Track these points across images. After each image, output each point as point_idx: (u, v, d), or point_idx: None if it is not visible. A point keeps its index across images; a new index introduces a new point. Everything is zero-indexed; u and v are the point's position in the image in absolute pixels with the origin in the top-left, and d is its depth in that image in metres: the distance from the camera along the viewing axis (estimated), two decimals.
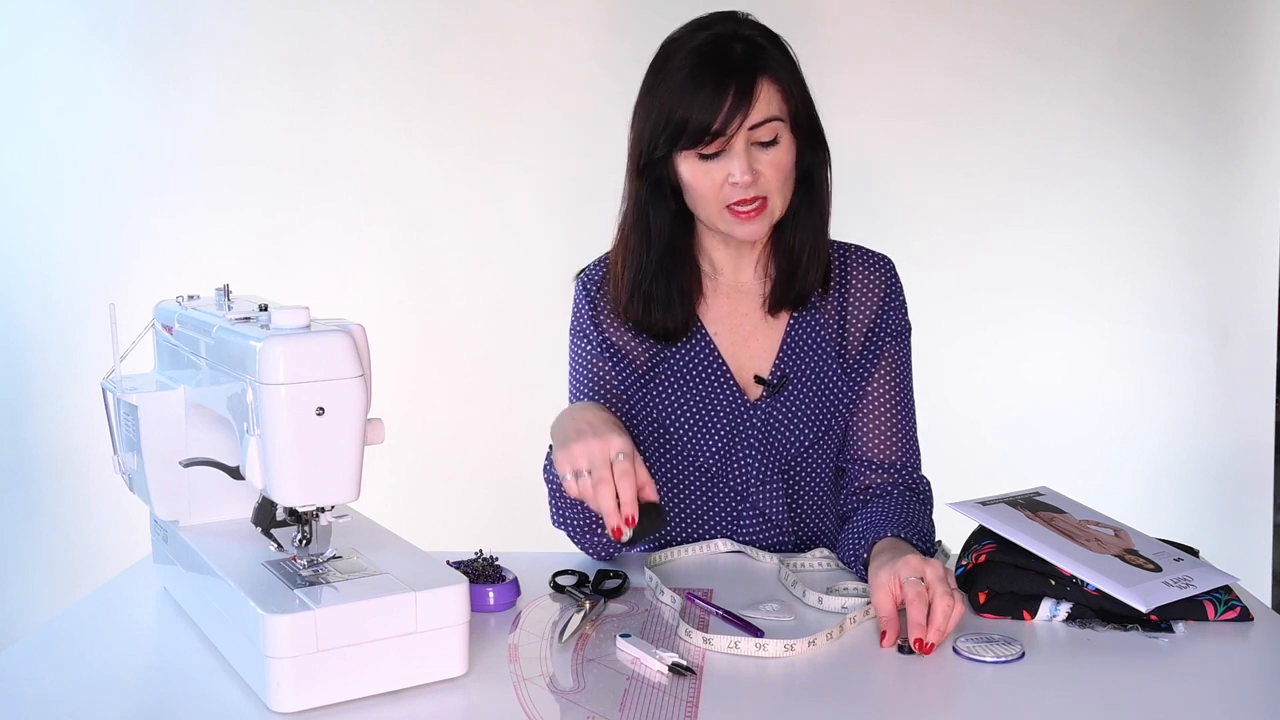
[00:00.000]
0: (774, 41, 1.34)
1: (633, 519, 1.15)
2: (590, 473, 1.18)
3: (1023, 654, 1.07)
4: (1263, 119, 2.40)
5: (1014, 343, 2.46)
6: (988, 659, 1.06)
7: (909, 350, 1.47)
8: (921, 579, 1.12)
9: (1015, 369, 2.47)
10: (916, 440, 1.47)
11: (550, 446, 1.41)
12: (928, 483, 1.45)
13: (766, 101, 1.29)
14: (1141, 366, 2.46)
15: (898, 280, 1.47)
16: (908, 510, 1.35)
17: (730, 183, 1.30)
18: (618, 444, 1.18)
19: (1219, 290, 2.45)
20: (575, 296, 1.49)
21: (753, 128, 1.29)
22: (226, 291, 1.18)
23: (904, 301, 1.47)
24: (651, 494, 1.19)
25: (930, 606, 1.09)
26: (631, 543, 1.16)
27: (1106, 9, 2.37)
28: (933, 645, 1.08)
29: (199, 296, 1.25)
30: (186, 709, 1.00)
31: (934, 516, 1.42)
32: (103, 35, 2.42)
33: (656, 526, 1.18)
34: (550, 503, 1.40)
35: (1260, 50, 2.39)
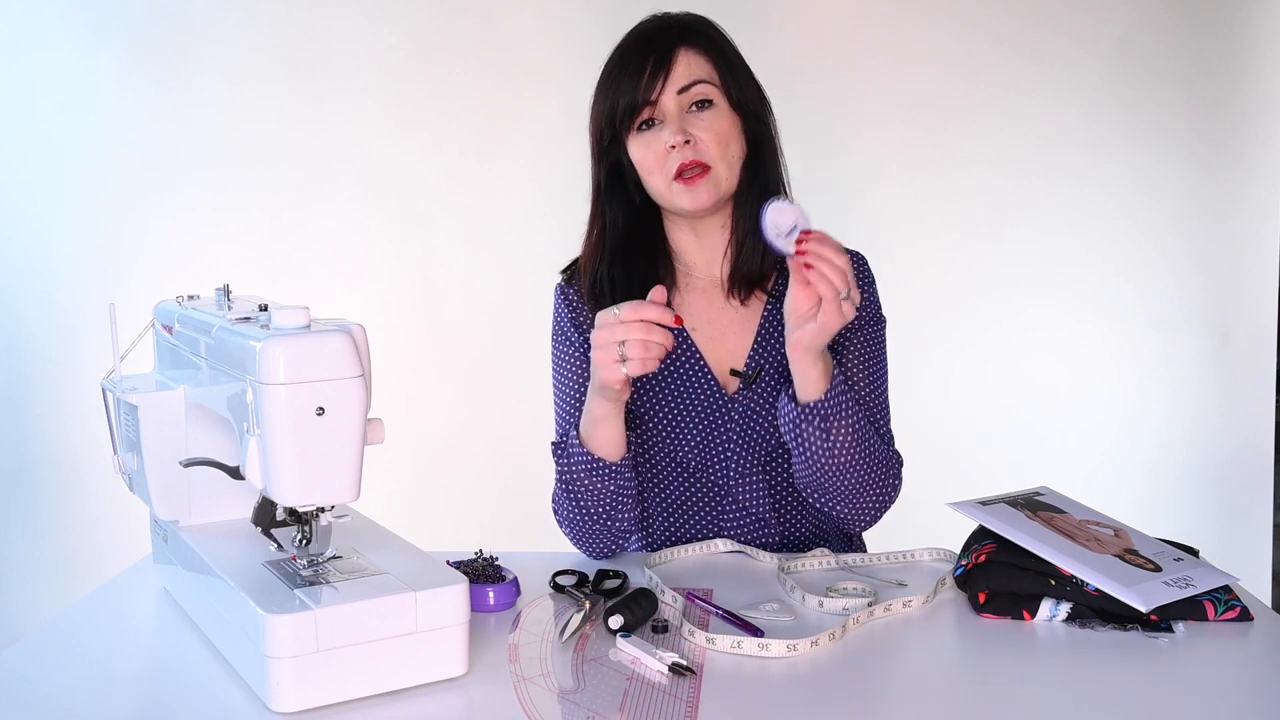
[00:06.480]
0: (700, 22, 1.40)
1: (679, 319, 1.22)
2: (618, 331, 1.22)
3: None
4: (1263, 119, 2.40)
5: (1014, 343, 2.47)
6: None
7: (882, 338, 1.48)
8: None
9: (1016, 369, 2.47)
10: (886, 419, 1.46)
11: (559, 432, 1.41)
12: (898, 455, 1.44)
13: (687, 66, 1.35)
14: (1141, 366, 2.46)
15: (868, 272, 1.49)
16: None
17: (668, 148, 1.34)
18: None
19: (1219, 290, 2.45)
20: (554, 303, 1.49)
21: (680, 92, 1.34)
22: (226, 291, 1.18)
23: (875, 293, 1.48)
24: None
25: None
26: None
27: (1106, 9, 2.37)
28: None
29: (199, 296, 1.26)
30: (186, 709, 1.00)
31: (908, 495, 1.43)
32: (103, 35, 2.42)
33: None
34: (555, 490, 1.39)
35: (1260, 50, 2.39)
